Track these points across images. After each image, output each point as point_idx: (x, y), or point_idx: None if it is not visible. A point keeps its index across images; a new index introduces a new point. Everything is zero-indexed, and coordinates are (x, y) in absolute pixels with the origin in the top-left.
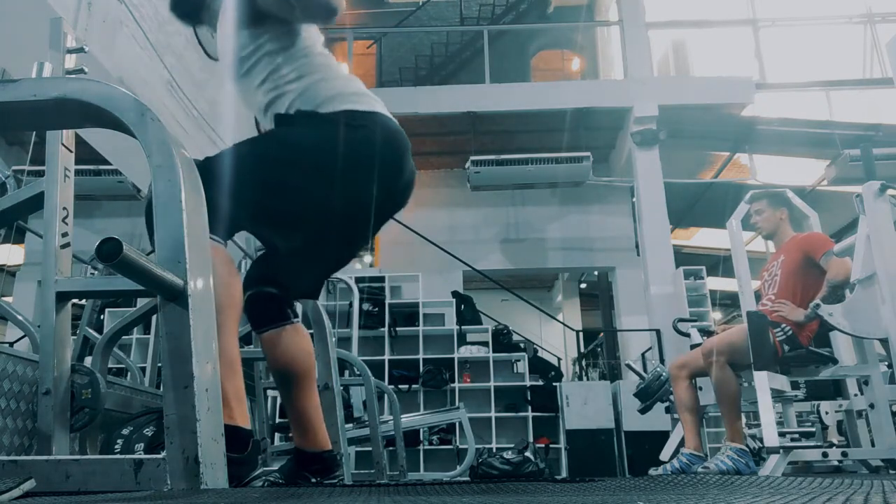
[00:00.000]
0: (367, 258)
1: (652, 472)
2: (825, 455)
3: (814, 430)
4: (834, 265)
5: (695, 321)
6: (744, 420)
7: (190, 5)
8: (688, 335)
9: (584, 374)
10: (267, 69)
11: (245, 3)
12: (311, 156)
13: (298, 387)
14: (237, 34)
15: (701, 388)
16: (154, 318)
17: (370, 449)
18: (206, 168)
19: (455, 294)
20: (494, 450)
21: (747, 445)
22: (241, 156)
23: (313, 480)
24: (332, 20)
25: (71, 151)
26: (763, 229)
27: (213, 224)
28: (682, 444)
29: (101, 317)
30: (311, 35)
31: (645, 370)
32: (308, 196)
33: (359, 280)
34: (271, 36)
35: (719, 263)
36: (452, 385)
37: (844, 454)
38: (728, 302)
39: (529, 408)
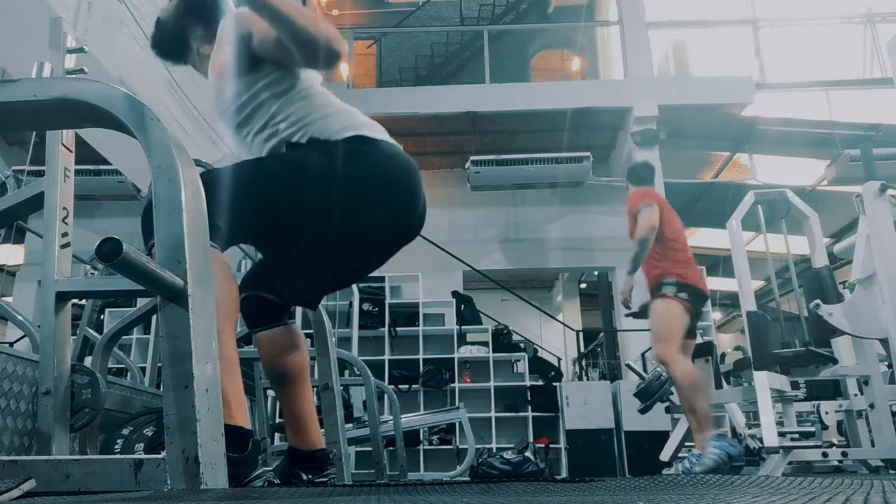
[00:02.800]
0: None
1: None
2: (825, 455)
3: (814, 430)
4: (639, 221)
5: None
6: (743, 420)
7: (171, 47)
8: None
9: (583, 374)
10: (266, 115)
11: (241, 49)
12: (323, 179)
13: (292, 386)
14: (232, 81)
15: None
16: (154, 318)
17: (370, 449)
18: (212, 180)
19: (455, 294)
20: (494, 450)
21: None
22: (248, 171)
23: (305, 478)
24: (334, 66)
25: (71, 151)
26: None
27: (212, 234)
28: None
29: (101, 317)
30: (310, 74)
31: (645, 370)
32: (316, 217)
33: (360, 280)
34: (269, 81)
35: (719, 263)
36: (452, 385)
37: (844, 454)
38: (728, 302)
39: (529, 408)
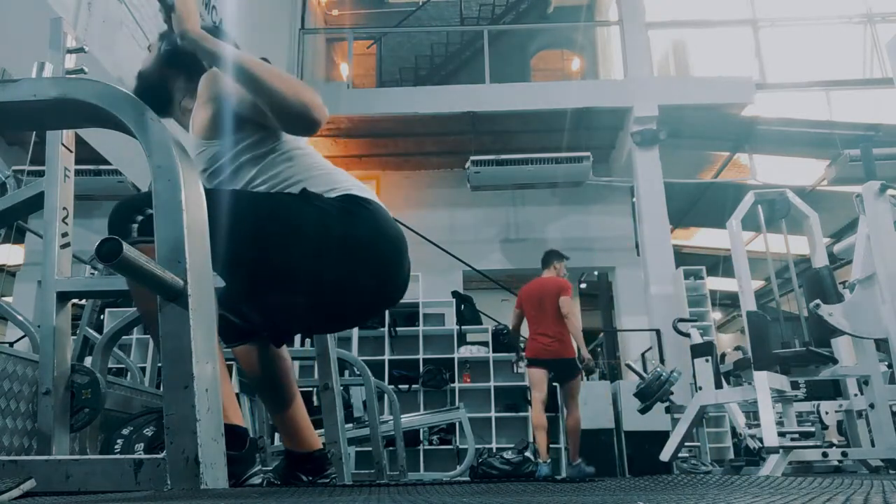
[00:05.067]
0: None
1: None
2: (825, 455)
3: (814, 430)
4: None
5: (695, 321)
6: (743, 420)
7: (153, 100)
8: (688, 335)
9: (584, 374)
10: (247, 176)
11: (219, 109)
12: (311, 226)
13: (276, 395)
14: (214, 141)
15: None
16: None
17: (370, 449)
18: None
19: (455, 294)
20: (494, 450)
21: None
22: (236, 199)
23: (306, 479)
24: (313, 133)
25: (71, 151)
26: None
27: None
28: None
29: (101, 317)
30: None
31: (645, 370)
32: (298, 266)
33: None
34: (250, 142)
35: (719, 263)
36: (452, 385)
37: (844, 454)
38: (728, 302)
39: (529, 408)
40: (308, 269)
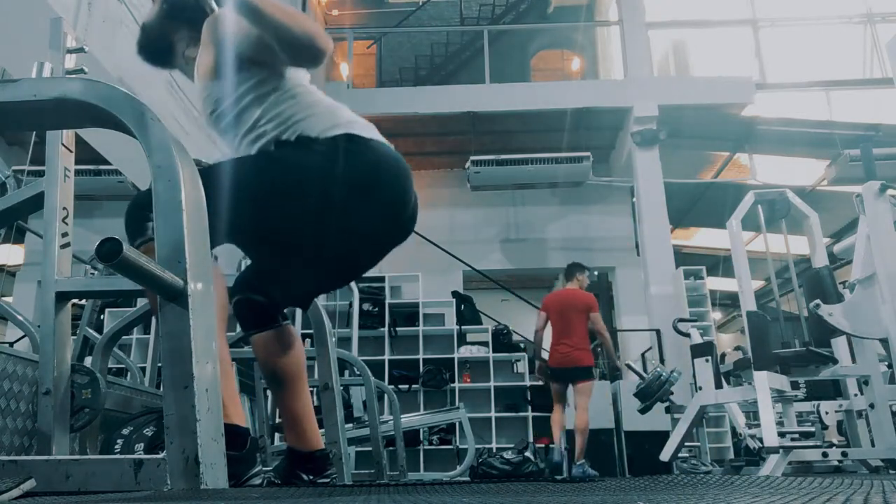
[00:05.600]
0: None
1: None
2: (825, 455)
3: (814, 430)
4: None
5: (695, 321)
6: (743, 420)
7: (156, 51)
8: (688, 335)
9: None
10: (252, 117)
11: (223, 51)
12: (312, 178)
13: (288, 388)
14: (217, 84)
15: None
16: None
17: (370, 449)
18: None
19: (455, 294)
20: (494, 450)
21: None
22: (234, 169)
23: (306, 479)
24: (320, 63)
25: (71, 151)
26: None
27: None
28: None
29: (101, 317)
30: (297, 73)
31: (645, 370)
32: (305, 217)
33: (359, 280)
34: (254, 83)
35: (719, 263)
36: (452, 385)
37: (844, 454)
38: (728, 302)
39: (529, 408)
40: (317, 218)
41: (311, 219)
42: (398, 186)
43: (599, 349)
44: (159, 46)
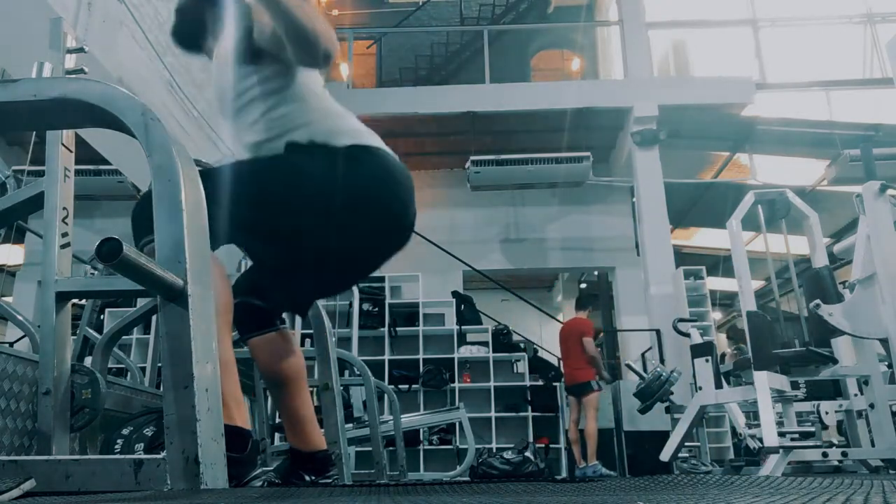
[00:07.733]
0: None
1: None
2: (825, 455)
3: (814, 430)
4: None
5: (695, 321)
6: (743, 420)
7: (190, 35)
8: (688, 335)
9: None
10: (259, 110)
11: (240, 39)
12: (319, 184)
13: (288, 390)
14: (230, 70)
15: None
16: (154, 318)
17: (370, 449)
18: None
19: (455, 294)
20: (494, 450)
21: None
22: (245, 171)
23: (308, 479)
24: (327, 65)
25: (71, 151)
26: None
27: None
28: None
29: (101, 317)
30: (309, 77)
31: (645, 370)
32: (311, 224)
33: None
34: (265, 76)
35: (719, 263)
36: (452, 385)
37: (844, 454)
38: (728, 302)
39: (529, 408)
40: (322, 225)
41: (317, 225)
42: (403, 197)
43: (600, 349)
44: (193, 30)
